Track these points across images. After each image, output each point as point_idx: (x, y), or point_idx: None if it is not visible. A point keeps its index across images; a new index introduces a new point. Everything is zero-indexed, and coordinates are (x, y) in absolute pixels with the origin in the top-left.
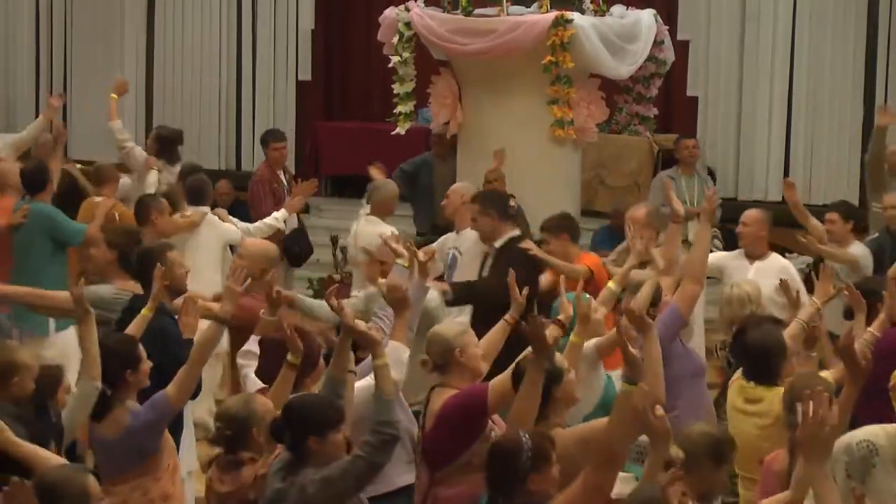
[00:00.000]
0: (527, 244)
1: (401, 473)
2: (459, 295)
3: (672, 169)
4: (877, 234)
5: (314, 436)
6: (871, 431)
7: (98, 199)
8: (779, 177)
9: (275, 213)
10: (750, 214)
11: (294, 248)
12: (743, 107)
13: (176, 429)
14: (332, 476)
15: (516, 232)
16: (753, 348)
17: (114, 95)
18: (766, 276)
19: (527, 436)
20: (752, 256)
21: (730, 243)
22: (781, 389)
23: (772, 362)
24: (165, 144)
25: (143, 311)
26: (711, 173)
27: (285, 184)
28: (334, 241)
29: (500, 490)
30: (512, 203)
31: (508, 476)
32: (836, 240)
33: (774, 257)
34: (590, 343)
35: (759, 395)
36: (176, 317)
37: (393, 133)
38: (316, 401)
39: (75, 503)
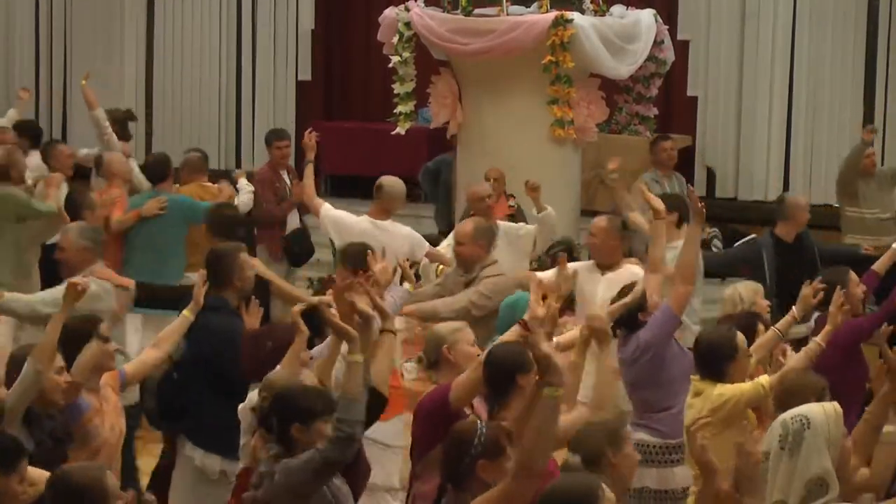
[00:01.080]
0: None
1: None
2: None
3: (653, 171)
4: (753, 235)
5: (298, 423)
6: (810, 408)
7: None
8: (779, 177)
9: (241, 183)
10: (597, 224)
11: (295, 247)
12: (743, 107)
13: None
14: (294, 467)
15: None
16: (703, 346)
17: (83, 82)
18: (616, 287)
19: (483, 424)
20: (603, 267)
21: (731, 243)
22: (722, 387)
23: (716, 360)
24: (123, 126)
25: (185, 312)
26: (711, 173)
27: (288, 183)
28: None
29: (451, 475)
30: (512, 203)
31: (459, 461)
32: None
33: (626, 268)
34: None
35: (701, 388)
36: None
37: (393, 133)
38: (303, 389)
39: (98, 501)
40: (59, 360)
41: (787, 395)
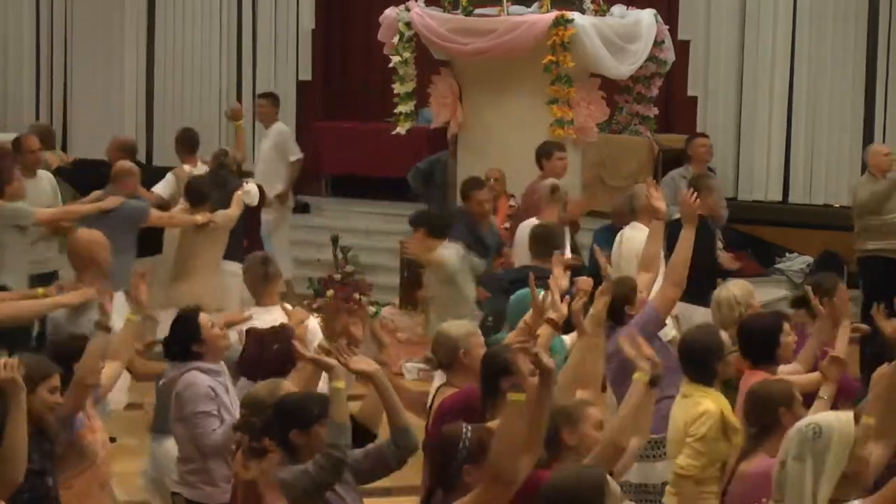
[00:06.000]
0: None
1: None
2: None
3: (683, 168)
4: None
5: (297, 429)
6: (825, 416)
7: None
8: (779, 177)
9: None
10: None
11: None
12: (743, 107)
13: None
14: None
15: None
16: (690, 347)
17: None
18: None
19: (468, 428)
20: None
21: (731, 243)
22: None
23: (705, 363)
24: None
25: (129, 315)
26: (711, 173)
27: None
28: (335, 240)
29: (439, 480)
30: (512, 203)
31: (446, 465)
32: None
33: None
34: None
35: (689, 392)
36: None
37: (393, 133)
38: (300, 396)
39: None
40: (54, 380)
41: (755, 406)
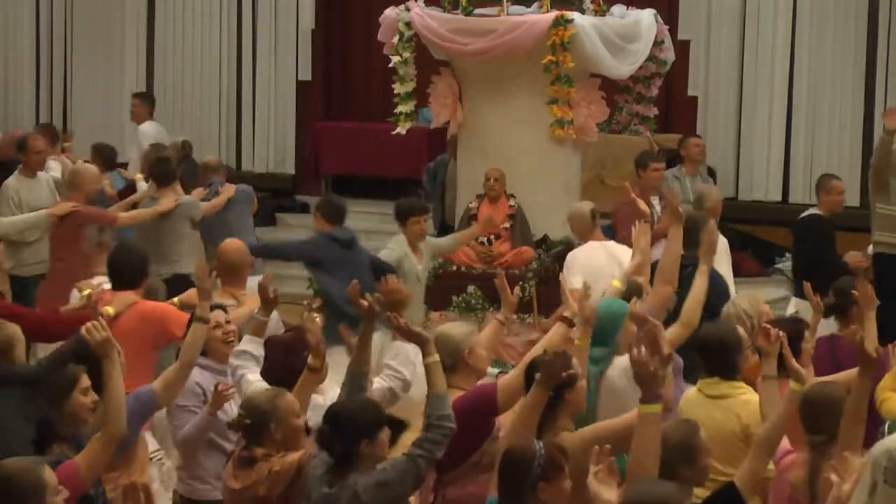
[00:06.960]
0: None
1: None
2: None
3: (676, 168)
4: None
5: (366, 439)
6: None
7: None
8: (779, 177)
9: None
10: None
11: None
12: (743, 107)
13: None
14: (389, 479)
15: None
16: (711, 342)
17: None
18: None
19: (541, 444)
20: None
21: (731, 243)
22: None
23: (728, 357)
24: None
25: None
26: (712, 173)
27: (656, 207)
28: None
29: (511, 497)
30: (512, 203)
31: (519, 483)
32: None
33: None
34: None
35: (728, 391)
36: None
37: (393, 133)
38: (359, 404)
39: (30, 494)
40: (85, 381)
41: (822, 414)
